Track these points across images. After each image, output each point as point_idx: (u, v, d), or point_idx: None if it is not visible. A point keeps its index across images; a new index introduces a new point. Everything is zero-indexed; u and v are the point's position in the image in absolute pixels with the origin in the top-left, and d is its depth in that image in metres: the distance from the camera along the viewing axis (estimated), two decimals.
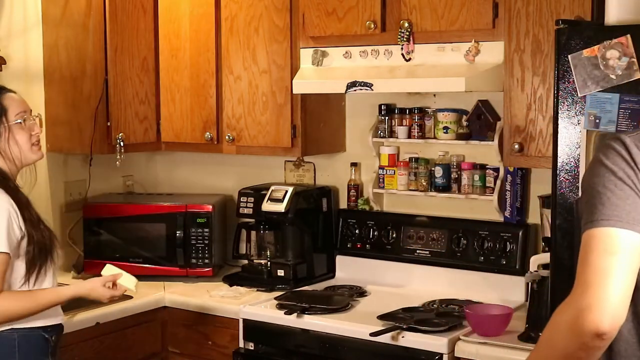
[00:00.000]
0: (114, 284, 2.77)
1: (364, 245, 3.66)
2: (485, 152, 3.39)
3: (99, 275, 2.80)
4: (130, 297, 3.43)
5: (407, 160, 3.55)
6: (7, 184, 2.61)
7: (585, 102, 2.43)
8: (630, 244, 1.59)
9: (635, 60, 2.35)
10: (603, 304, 1.54)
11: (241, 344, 3.30)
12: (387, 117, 3.57)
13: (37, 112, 2.88)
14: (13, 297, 2.56)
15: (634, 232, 1.60)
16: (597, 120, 2.41)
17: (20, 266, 2.61)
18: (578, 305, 1.56)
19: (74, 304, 3.06)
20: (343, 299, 3.32)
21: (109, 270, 2.82)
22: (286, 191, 3.60)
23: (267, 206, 3.61)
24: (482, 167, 3.41)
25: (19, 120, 2.66)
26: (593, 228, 1.61)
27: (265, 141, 3.64)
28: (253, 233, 3.81)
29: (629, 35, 2.36)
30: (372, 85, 3.17)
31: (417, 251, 3.52)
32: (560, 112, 2.48)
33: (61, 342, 2.81)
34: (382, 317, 3.02)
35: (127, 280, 2.80)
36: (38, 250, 2.61)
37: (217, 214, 3.80)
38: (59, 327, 2.74)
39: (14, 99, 2.70)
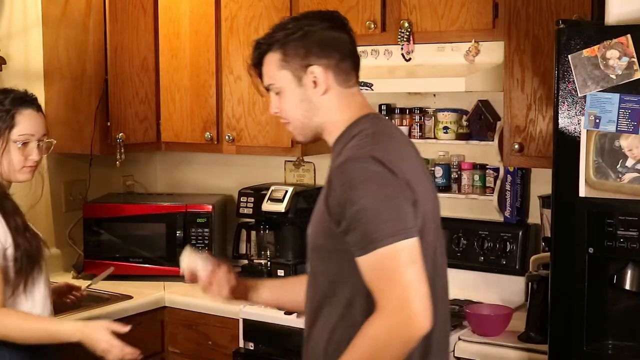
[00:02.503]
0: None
1: None
2: (485, 152, 3.38)
3: (96, 274, 2.76)
4: (131, 297, 3.43)
5: None
6: None
7: (585, 102, 2.43)
8: (418, 248, 1.78)
9: (635, 60, 2.34)
10: (423, 309, 1.73)
11: (241, 344, 3.30)
12: (387, 117, 3.57)
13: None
14: (17, 317, 2.50)
15: (416, 238, 1.78)
16: (597, 120, 2.41)
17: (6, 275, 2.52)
18: (401, 319, 1.72)
19: (72, 305, 3.06)
20: None
21: None
22: (286, 191, 3.60)
23: (267, 206, 3.61)
24: (482, 167, 3.41)
25: (19, 142, 2.58)
26: (387, 245, 1.74)
27: (265, 141, 3.64)
28: (253, 233, 3.81)
29: (629, 35, 2.36)
30: (372, 85, 3.17)
31: None
32: (560, 112, 2.48)
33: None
34: None
35: None
36: (26, 259, 2.53)
37: (217, 214, 3.80)
38: None
39: (29, 118, 2.61)
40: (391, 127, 2.03)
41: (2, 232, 2.50)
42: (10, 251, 2.51)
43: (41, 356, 2.58)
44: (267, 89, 2.03)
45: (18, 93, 2.65)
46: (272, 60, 1.97)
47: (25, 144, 2.60)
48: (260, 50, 1.99)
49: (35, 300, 2.59)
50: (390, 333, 1.73)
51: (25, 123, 2.60)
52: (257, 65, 2.02)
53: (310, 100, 1.97)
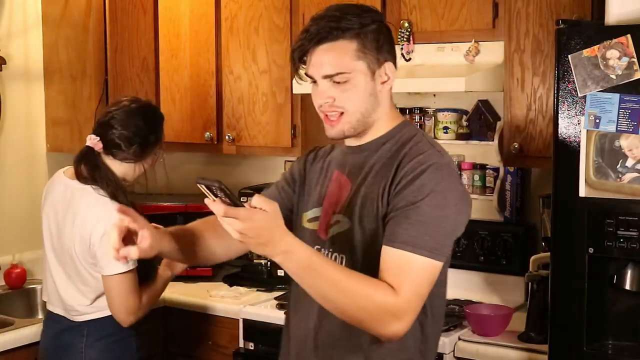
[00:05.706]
0: None
1: None
2: (485, 152, 3.38)
3: None
4: None
5: None
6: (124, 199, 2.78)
7: (585, 102, 2.43)
8: (438, 273, 1.83)
9: (635, 60, 2.35)
10: (407, 323, 1.77)
11: (241, 344, 3.30)
12: None
13: (37, 111, 2.89)
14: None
15: (442, 264, 1.83)
16: (597, 120, 2.41)
17: None
18: (394, 312, 1.75)
19: None
20: None
21: None
22: None
23: None
24: (482, 167, 3.41)
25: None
26: (421, 256, 1.77)
27: (265, 141, 3.64)
28: None
29: (629, 35, 2.36)
30: None
31: None
32: (560, 112, 2.48)
33: None
34: None
35: None
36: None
37: None
38: None
39: None
40: None
41: None
42: None
43: None
44: (326, 77, 1.89)
45: None
46: (346, 48, 1.85)
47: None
48: (331, 35, 1.85)
49: None
50: (380, 312, 1.74)
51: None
52: (307, 51, 1.89)
53: (376, 96, 1.93)
